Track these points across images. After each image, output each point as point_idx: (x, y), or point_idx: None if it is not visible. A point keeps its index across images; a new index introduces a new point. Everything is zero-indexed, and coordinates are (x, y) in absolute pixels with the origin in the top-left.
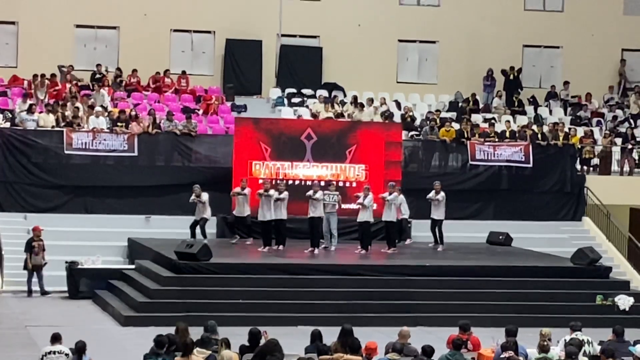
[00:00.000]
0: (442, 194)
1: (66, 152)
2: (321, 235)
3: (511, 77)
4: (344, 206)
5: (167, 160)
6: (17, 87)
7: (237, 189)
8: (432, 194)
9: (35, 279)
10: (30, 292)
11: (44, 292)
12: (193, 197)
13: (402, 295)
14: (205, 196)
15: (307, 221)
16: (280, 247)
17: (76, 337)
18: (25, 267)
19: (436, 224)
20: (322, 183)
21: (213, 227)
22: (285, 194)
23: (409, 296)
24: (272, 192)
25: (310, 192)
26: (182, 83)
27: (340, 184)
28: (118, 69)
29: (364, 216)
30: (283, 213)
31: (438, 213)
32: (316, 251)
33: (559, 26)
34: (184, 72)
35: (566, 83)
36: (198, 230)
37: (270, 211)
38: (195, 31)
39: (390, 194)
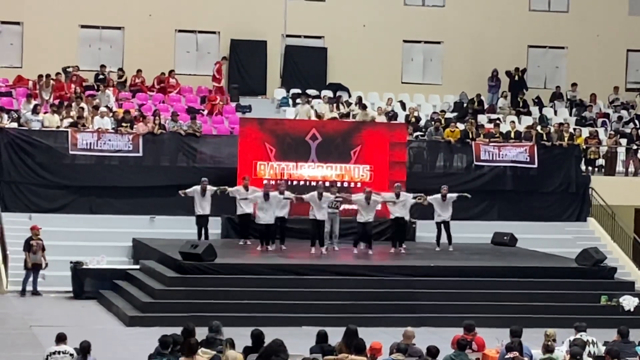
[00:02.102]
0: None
1: (71, 152)
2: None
3: (516, 77)
4: (346, 207)
5: (172, 161)
6: (22, 87)
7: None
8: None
9: (31, 278)
10: (24, 291)
11: (35, 292)
12: (197, 189)
13: (406, 295)
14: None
15: (311, 222)
16: (283, 246)
17: (81, 337)
18: (25, 267)
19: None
20: (327, 184)
21: (218, 228)
22: (288, 195)
23: (414, 297)
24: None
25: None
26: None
27: (345, 184)
28: (120, 69)
29: (369, 217)
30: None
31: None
32: (324, 250)
33: (564, 27)
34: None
35: (574, 84)
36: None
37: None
38: (200, 31)
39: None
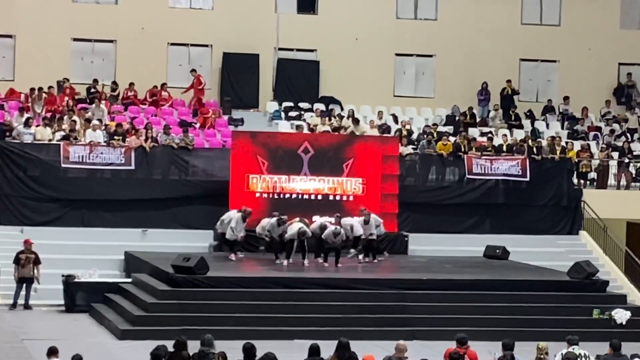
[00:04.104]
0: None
1: (63, 165)
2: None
3: (507, 92)
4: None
5: (164, 174)
6: (14, 100)
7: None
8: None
9: (23, 292)
10: (14, 305)
11: (27, 306)
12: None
13: (399, 309)
14: None
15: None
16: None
17: (73, 351)
18: (15, 280)
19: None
20: (320, 197)
21: (210, 240)
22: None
23: (406, 310)
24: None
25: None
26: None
27: (337, 197)
28: (114, 82)
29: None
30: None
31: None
32: (285, 262)
33: (556, 40)
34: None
35: (566, 98)
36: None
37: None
38: (192, 45)
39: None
